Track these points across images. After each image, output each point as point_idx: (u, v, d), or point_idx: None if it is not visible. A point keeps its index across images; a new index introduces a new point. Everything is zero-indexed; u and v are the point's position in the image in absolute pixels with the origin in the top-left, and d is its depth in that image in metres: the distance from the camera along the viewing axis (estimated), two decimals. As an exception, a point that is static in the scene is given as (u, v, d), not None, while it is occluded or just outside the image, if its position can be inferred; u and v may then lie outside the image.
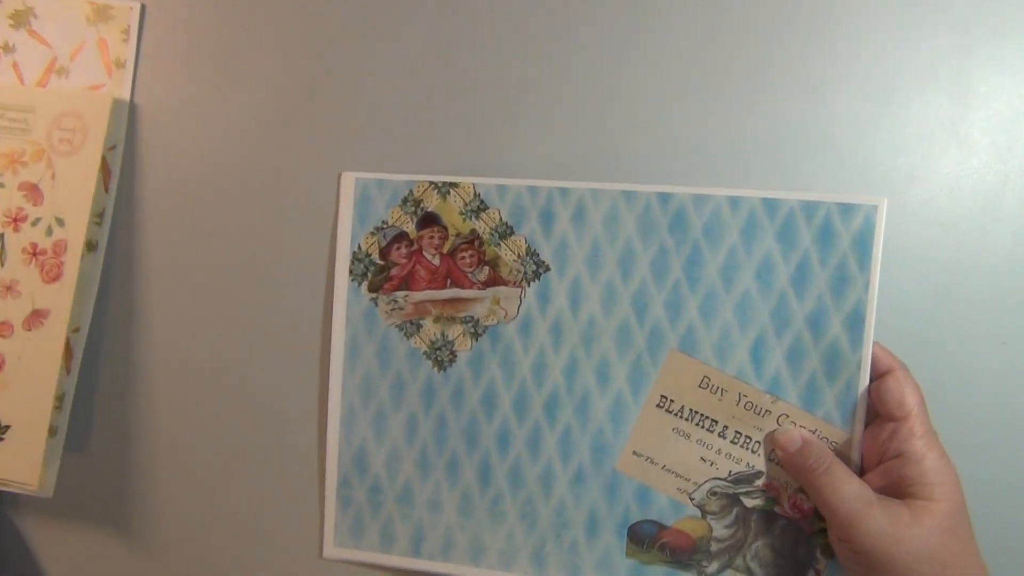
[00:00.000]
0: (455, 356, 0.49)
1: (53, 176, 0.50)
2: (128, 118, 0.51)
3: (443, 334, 0.49)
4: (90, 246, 0.50)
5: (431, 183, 0.49)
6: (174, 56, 0.52)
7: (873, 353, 0.44)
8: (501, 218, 0.48)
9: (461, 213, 0.48)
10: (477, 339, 0.48)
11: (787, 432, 0.44)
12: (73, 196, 0.50)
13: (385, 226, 0.49)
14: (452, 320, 0.49)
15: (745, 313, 0.45)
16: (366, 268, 0.49)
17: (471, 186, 0.48)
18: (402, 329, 0.49)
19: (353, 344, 0.50)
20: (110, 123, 0.50)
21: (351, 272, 0.50)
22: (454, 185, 0.48)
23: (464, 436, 0.49)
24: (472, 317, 0.48)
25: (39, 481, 0.50)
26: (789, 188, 0.47)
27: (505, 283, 0.48)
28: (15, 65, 0.51)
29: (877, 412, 0.44)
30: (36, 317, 0.50)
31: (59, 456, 0.51)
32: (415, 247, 0.49)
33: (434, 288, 0.49)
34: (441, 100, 0.50)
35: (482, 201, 0.48)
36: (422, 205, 0.49)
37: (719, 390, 0.46)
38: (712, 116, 0.48)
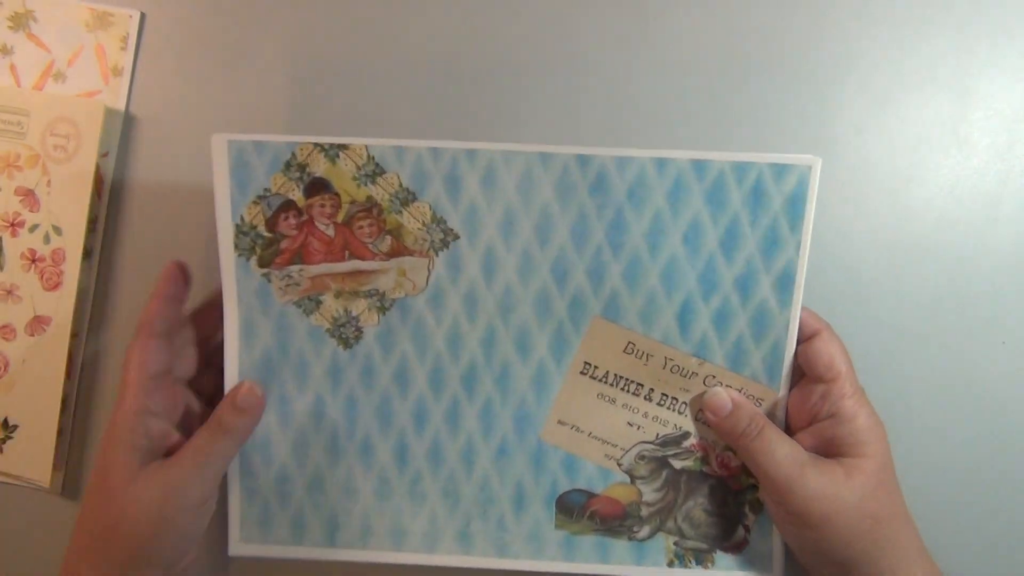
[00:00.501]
0: (361, 332, 0.45)
1: (49, 183, 0.49)
2: (122, 125, 0.51)
3: (346, 310, 0.44)
4: (85, 253, 0.50)
5: (316, 145, 0.42)
6: (171, 65, 0.51)
7: (800, 317, 0.42)
8: (401, 183, 0.43)
9: (354, 178, 0.43)
10: (384, 313, 0.44)
11: (717, 395, 0.43)
12: (69, 205, 0.49)
13: (268, 194, 0.43)
14: (355, 294, 0.44)
15: (671, 278, 0.43)
16: (253, 241, 0.44)
17: (363, 148, 0.42)
18: (300, 306, 0.44)
19: (247, 324, 0.45)
20: (103, 132, 0.49)
21: (236, 246, 0.44)
22: (343, 147, 0.42)
23: (377, 416, 0.45)
24: (377, 290, 0.44)
25: (51, 478, 0.50)
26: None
27: (410, 253, 0.44)
28: (12, 67, 0.51)
29: (805, 374, 0.43)
30: (38, 323, 0.50)
31: (65, 455, 0.51)
32: (305, 217, 0.43)
33: (332, 261, 0.44)
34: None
35: (377, 165, 0.43)
36: (308, 170, 0.43)
37: (644, 355, 0.44)
38: (710, 117, 0.47)
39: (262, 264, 0.44)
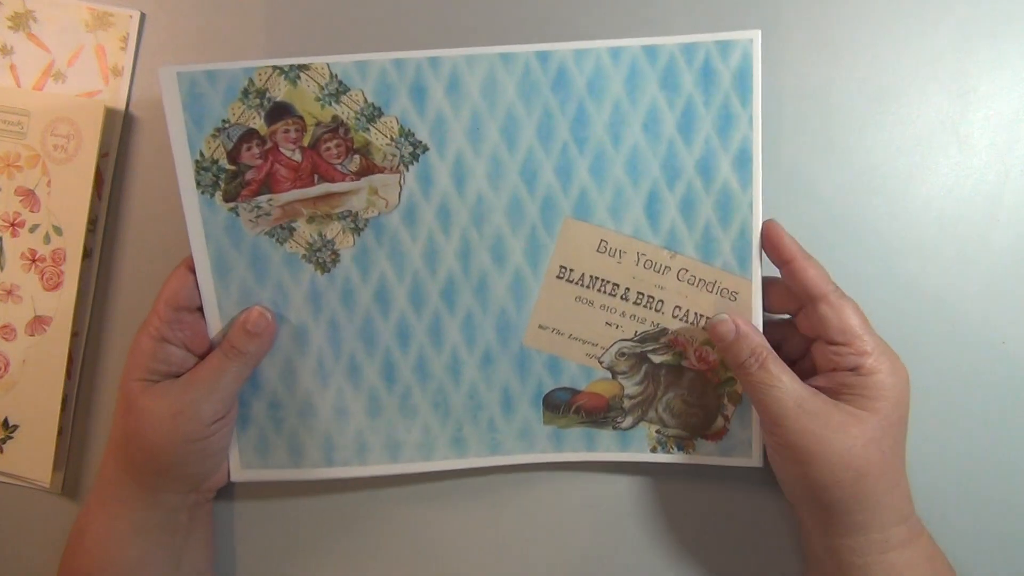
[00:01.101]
0: (338, 255, 0.45)
1: (49, 183, 0.49)
2: (122, 125, 0.50)
3: (320, 234, 0.44)
4: (85, 253, 0.50)
5: (275, 68, 0.42)
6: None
7: (779, 242, 0.43)
8: (366, 99, 0.43)
9: (318, 99, 0.43)
10: (359, 234, 0.45)
11: (722, 323, 0.43)
12: (70, 205, 0.49)
13: (227, 125, 0.43)
14: (328, 217, 0.44)
15: (636, 168, 0.44)
16: (215, 176, 0.43)
17: (325, 67, 0.42)
18: (273, 235, 0.44)
19: (220, 262, 0.44)
20: (103, 132, 0.49)
21: (198, 184, 0.43)
22: (304, 67, 0.42)
23: (361, 337, 0.46)
24: (350, 211, 0.44)
25: (52, 478, 0.50)
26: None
27: (380, 170, 0.44)
28: (12, 67, 0.50)
29: (820, 336, 0.43)
30: (38, 323, 0.50)
31: (65, 455, 0.51)
32: (269, 144, 0.43)
33: (301, 186, 0.44)
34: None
35: (340, 83, 0.42)
36: (268, 95, 0.42)
37: (617, 252, 0.45)
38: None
39: (228, 198, 0.44)
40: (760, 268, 0.45)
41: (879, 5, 0.48)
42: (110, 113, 0.50)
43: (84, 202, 0.49)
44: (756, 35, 0.42)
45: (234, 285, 0.45)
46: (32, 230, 0.49)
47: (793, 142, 0.48)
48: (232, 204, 0.44)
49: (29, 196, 0.49)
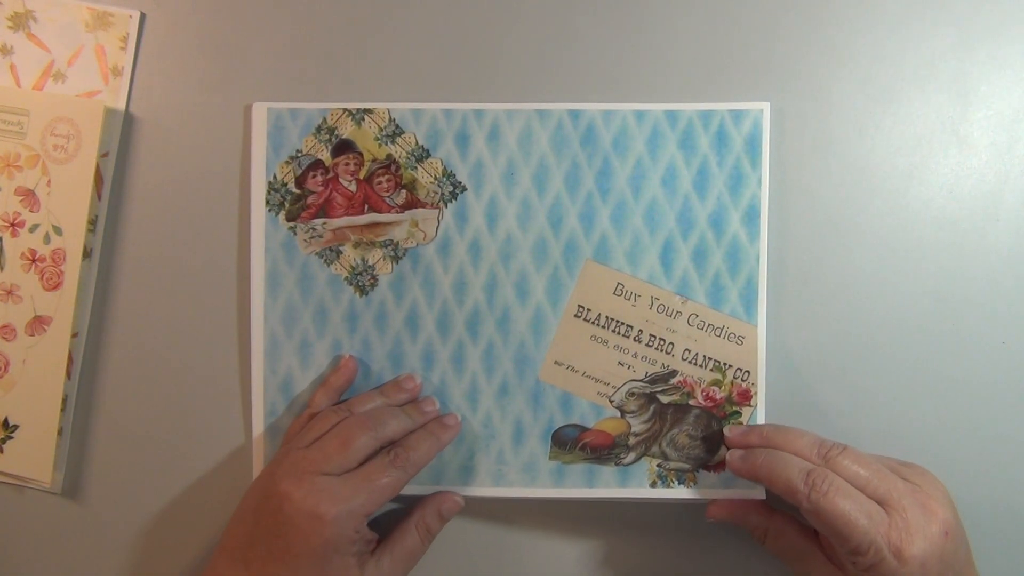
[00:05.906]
0: (376, 280, 0.50)
1: (49, 183, 0.50)
2: (122, 126, 0.51)
3: (363, 259, 0.49)
4: (85, 253, 0.50)
5: (345, 110, 0.49)
6: (172, 65, 0.51)
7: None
8: (417, 142, 0.49)
9: (376, 139, 0.49)
10: (397, 262, 0.49)
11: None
12: (70, 205, 0.50)
13: (300, 155, 0.49)
14: (371, 245, 0.49)
15: (653, 219, 0.48)
16: (282, 197, 0.50)
17: (386, 111, 0.49)
18: (322, 256, 0.50)
19: (273, 275, 0.50)
20: (103, 132, 0.50)
21: (267, 202, 0.50)
22: (368, 111, 0.49)
23: (390, 358, 0.49)
24: (391, 241, 0.49)
25: (52, 478, 0.50)
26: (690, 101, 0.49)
27: (423, 205, 0.49)
28: (12, 67, 0.51)
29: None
30: (38, 323, 0.50)
31: (66, 454, 0.51)
32: (331, 174, 0.49)
33: (352, 214, 0.49)
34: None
35: (397, 126, 0.49)
36: (336, 132, 0.49)
37: (633, 295, 0.48)
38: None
39: (289, 218, 0.50)
40: (765, 315, 0.47)
41: (880, 4, 0.49)
42: (110, 113, 0.50)
43: (84, 202, 0.49)
44: (765, 106, 0.48)
45: (282, 299, 0.50)
46: (32, 230, 0.50)
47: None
48: (292, 224, 0.49)
49: (29, 196, 0.50)
